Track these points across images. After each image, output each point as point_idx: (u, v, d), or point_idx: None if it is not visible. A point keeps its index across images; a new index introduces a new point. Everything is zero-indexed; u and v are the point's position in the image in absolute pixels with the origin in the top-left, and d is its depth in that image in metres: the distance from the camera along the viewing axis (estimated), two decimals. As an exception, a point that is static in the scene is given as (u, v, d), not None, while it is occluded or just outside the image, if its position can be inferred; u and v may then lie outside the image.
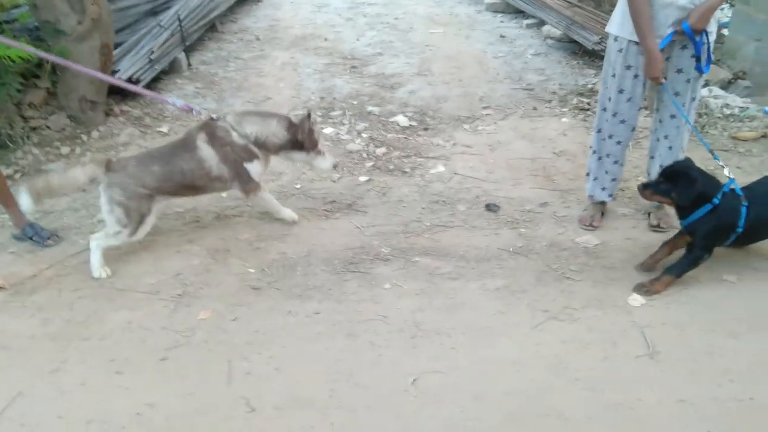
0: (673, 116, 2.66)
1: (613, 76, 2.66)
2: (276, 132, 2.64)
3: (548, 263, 2.64)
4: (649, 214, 2.95)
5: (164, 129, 4.02)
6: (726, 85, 4.64)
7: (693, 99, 2.64)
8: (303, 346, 2.18)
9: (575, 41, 5.23)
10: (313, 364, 2.09)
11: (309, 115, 2.66)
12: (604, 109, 2.76)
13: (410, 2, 7.52)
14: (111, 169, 2.53)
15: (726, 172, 2.41)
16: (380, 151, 3.73)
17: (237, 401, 1.95)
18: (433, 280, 2.55)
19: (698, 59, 2.49)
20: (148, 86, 4.50)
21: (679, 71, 2.56)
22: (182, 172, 2.59)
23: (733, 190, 2.33)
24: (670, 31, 2.43)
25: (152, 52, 4.55)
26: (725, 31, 5.03)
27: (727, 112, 4.14)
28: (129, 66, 4.29)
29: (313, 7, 7.45)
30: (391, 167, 3.55)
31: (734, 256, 2.61)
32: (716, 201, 2.28)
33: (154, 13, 5.35)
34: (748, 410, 1.88)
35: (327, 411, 1.91)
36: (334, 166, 2.86)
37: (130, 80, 4.26)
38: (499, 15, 6.77)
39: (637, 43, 2.51)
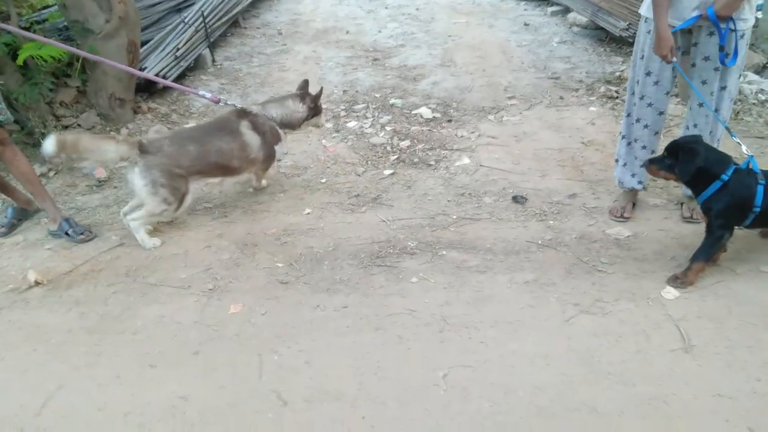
0: (701, 105, 2.57)
1: (642, 58, 2.61)
2: (296, 108, 3.04)
3: (578, 256, 2.59)
4: (681, 205, 2.87)
5: (192, 124, 4.07)
6: (761, 70, 4.48)
7: (723, 89, 2.52)
8: (331, 339, 2.19)
9: (602, 28, 5.11)
10: (342, 358, 2.10)
11: (321, 91, 3.19)
12: (633, 93, 2.71)
13: (432, -8, 7.45)
14: (145, 150, 2.65)
15: (744, 149, 2.32)
16: (404, 144, 3.72)
17: (268, 394, 1.97)
18: (461, 273, 2.53)
19: (722, 48, 2.38)
20: (175, 82, 4.57)
21: (706, 59, 2.47)
22: (220, 152, 2.79)
23: (749, 167, 2.24)
24: (695, 14, 2.36)
25: (177, 49, 4.61)
26: (759, 14, 4.85)
27: (763, 98, 4.00)
28: (155, 63, 4.36)
29: (334, 0, 7.44)
30: (416, 160, 3.54)
31: (773, 246, 2.53)
32: (725, 177, 2.21)
33: (178, 10, 5.42)
34: (789, 406, 1.82)
35: (356, 404, 1.92)
36: (327, 120, 3.57)
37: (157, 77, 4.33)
38: (523, 3, 6.66)
39: (670, 26, 2.43)
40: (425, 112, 4.17)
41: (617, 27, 4.75)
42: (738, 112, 3.83)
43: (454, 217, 2.96)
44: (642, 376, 1.95)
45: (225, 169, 2.88)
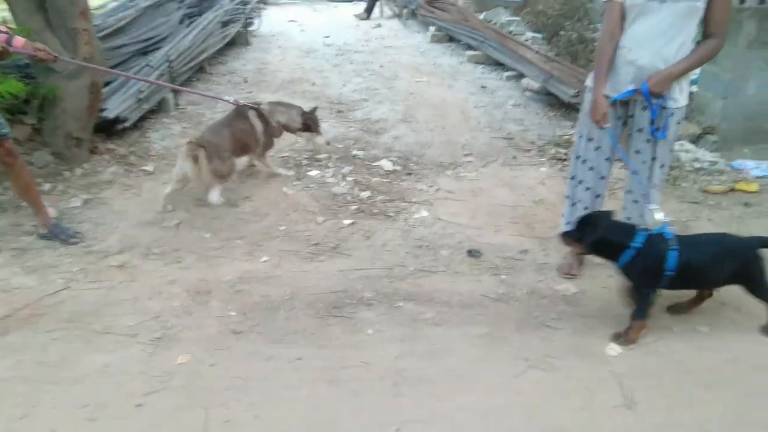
0: (634, 172, 2.71)
1: (586, 125, 2.78)
2: (296, 119, 3.91)
3: (529, 311, 2.68)
4: None
5: (149, 168, 4.04)
6: (696, 140, 4.86)
7: (654, 159, 2.66)
8: (284, 393, 2.15)
9: (553, 94, 5.45)
10: (294, 412, 2.06)
11: (315, 109, 4.06)
12: (577, 156, 2.88)
13: (395, 52, 7.78)
14: (206, 149, 3.31)
15: (658, 216, 2.46)
16: (365, 194, 3.79)
17: (214, 450, 1.90)
18: (416, 325, 2.56)
19: (653, 122, 2.55)
20: (135, 125, 4.55)
21: (640, 130, 2.64)
22: (242, 131, 3.62)
23: (661, 234, 2.39)
24: (631, 87, 2.56)
25: (141, 92, 4.60)
26: (694, 88, 5.30)
27: (697, 165, 4.32)
28: (117, 105, 4.34)
29: (301, 52, 7.65)
30: (375, 211, 3.60)
31: (708, 307, 2.68)
32: (637, 245, 2.35)
33: (144, 53, 5.44)
34: (724, 462, 1.90)
35: (306, 461, 1.88)
36: (328, 143, 4.17)
37: (117, 119, 4.30)
38: (480, 66, 7.03)
39: (607, 96, 2.63)
40: (386, 164, 4.28)
41: (567, 94, 5.09)
42: (676, 179, 4.12)
43: (412, 268, 3.01)
44: (587, 432, 2.00)
45: (245, 147, 3.66)
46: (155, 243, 3.15)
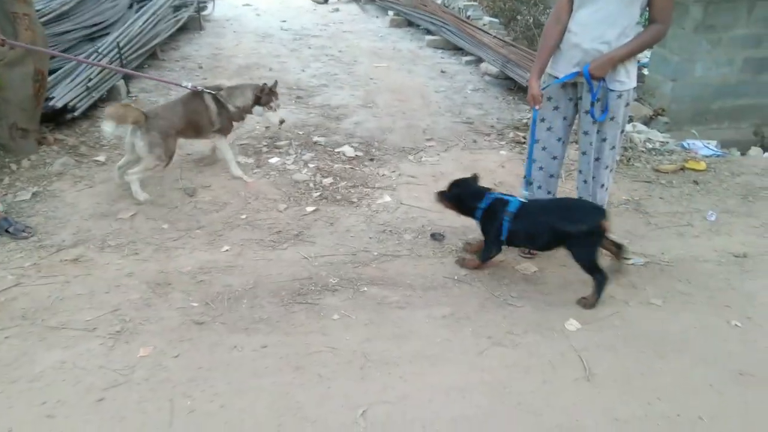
0: (584, 153, 2.80)
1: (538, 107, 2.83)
2: (249, 97, 3.72)
3: (491, 290, 2.73)
4: None
5: (101, 158, 3.89)
6: (648, 121, 5.03)
7: (603, 140, 2.73)
8: (249, 381, 2.13)
9: (511, 78, 5.53)
10: (260, 400, 2.05)
11: (275, 84, 3.82)
12: (532, 134, 2.92)
13: (354, 36, 7.70)
14: (147, 120, 3.27)
15: (523, 193, 2.86)
16: (327, 181, 3.77)
17: (180, 442, 1.88)
18: (381, 309, 2.57)
19: (593, 104, 2.61)
20: (85, 114, 4.36)
21: (586, 112, 2.70)
22: (196, 112, 3.52)
23: (501, 200, 2.75)
24: (573, 70, 2.62)
25: (90, 80, 4.41)
26: (645, 71, 5.48)
27: (650, 146, 4.48)
28: (64, 93, 4.15)
29: (257, 37, 7.48)
30: (338, 197, 3.59)
31: (660, 280, 2.81)
32: (483, 206, 2.76)
33: (91, 39, 5.22)
34: (676, 427, 2.00)
35: (275, 447, 1.87)
36: (281, 122, 3.87)
37: (65, 108, 4.12)
38: (440, 51, 7.05)
39: (553, 77, 2.71)
40: (348, 150, 4.26)
41: (524, 78, 5.16)
42: (629, 159, 4.26)
43: (376, 253, 3.02)
44: (548, 406, 2.07)
45: (197, 129, 3.57)
46: (110, 235, 3.05)
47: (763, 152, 4.80)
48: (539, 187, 2.97)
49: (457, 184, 2.90)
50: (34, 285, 2.62)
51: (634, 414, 2.04)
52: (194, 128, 3.55)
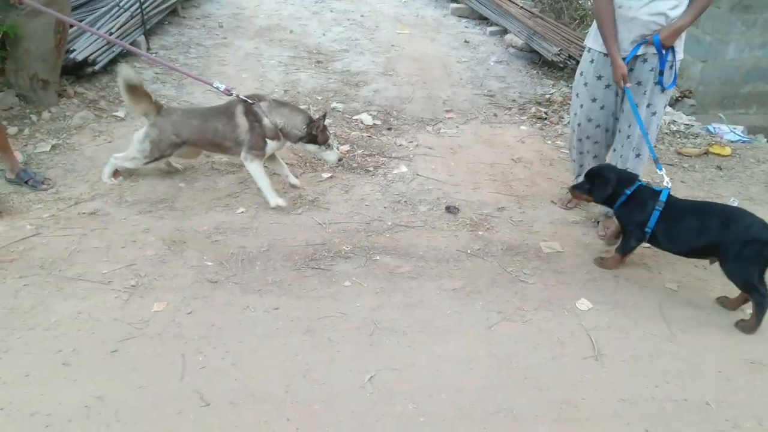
0: (620, 131, 2.85)
1: (585, 84, 2.85)
2: (298, 126, 3.01)
3: (503, 266, 2.72)
4: (597, 223, 3.10)
5: (120, 114, 3.89)
6: (673, 103, 4.90)
7: (653, 114, 2.76)
8: (260, 341, 2.17)
9: (536, 51, 5.39)
10: (270, 360, 2.09)
11: (324, 116, 3.06)
12: (575, 114, 2.97)
13: (377, 1, 7.53)
14: (160, 113, 3.01)
15: (666, 181, 2.58)
16: (344, 148, 3.74)
17: (190, 395, 1.92)
18: (393, 278, 2.58)
19: (661, 73, 2.63)
20: (105, 68, 4.35)
21: (639, 83, 2.70)
22: (216, 131, 3.01)
23: (649, 188, 2.58)
24: (634, 45, 2.60)
25: (110, 34, 4.38)
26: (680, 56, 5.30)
27: (674, 128, 4.37)
28: (85, 47, 4.13)
29: (280, -2, 7.35)
30: (354, 165, 3.57)
31: (677, 264, 2.77)
32: (628, 192, 2.56)
33: (113, -8, 5.14)
34: (682, 410, 2.01)
35: (282, 406, 1.91)
36: (340, 160, 3.28)
37: (86, 62, 4.10)
38: (464, 20, 6.88)
39: (606, 55, 2.68)
40: (366, 118, 4.21)
41: (550, 52, 5.03)
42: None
43: (390, 223, 3.02)
44: (555, 381, 2.08)
45: (217, 147, 3.07)
46: (128, 191, 3.08)
47: (792, 140, 4.67)
48: (595, 157, 3.05)
49: (602, 176, 2.64)
50: (52, 236, 2.66)
51: (640, 395, 2.05)
52: (213, 146, 3.07)
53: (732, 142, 4.29)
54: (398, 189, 3.35)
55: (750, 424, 1.95)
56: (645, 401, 2.03)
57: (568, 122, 3.22)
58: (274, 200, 3.02)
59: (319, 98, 4.49)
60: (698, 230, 2.42)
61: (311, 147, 3.08)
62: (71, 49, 4.02)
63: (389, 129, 4.13)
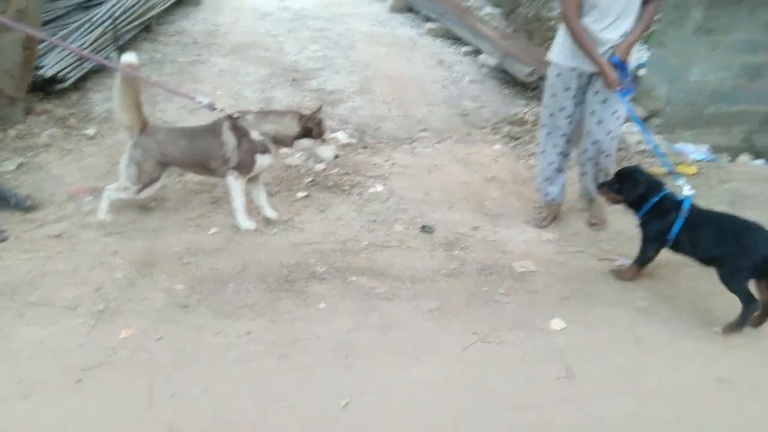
0: (591, 131, 3.06)
1: (553, 95, 3.02)
2: (290, 126, 2.91)
3: (478, 286, 2.73)
4: (588, 211, 3.36)
5: (91, 131, 3.82)
6: (642, 122, 5.03)
7: (617, 117, 2.96)
8: (232, 367, 2.12)
9: (508, 71, 5.49)
10: (243, 386, 2.05)
11: (320, 108, 2.97)
12: (545, 125, 3.15)
13: (353, 19, 7.60)
14: (144, 132, 2.83)
15: (686, 189, 2.65)
16: (319, 167, 3.73)
17: (159, 425, 1.87)
18: (369, 300, 2.57)
19: (622, 85, 2.81)
20: (75, 85, 4.27)
21: (596, 93, 2.92)
22: (202, 151, 2.88)
23: (672, 197, 2.63)
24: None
25: (82, 48, 4.31)
26: (642, 72, 5.47)
27: (642, 147, 4.49)
28: (54, 63, 4.06)
29: (256, 14, 7.36)
30: (330, 184, 3.56)
31: (647, 283, 2.82)
32: (654, 200, 2.63)
33: (85, 8, 5.09)
34: (654, 429, 2.03)
35: (255, 434, 1.87)
36: (336, 156, 3.07)
37: (54, 78, 4.02)
38: (439, 40, 6.97)
39: (573, 69, 2.88)
40: (342, 136, 4.22)
41: (522, 72, 5.13)
42: (622, 159, 4.26)
43: (365, 243, 3.01)
44: (530, 402, 2.09)
45: (203, 168, 2.95)
46: (96, 211, 3.00)
47: (753, 160, 4.84)
48: (556, 169, 3.21)
49: (633, 177, 2.70)
50: (15, 259, 2.57)
51: (614, 414, 2.07)
52: (200, 167, 2.96)
53: (697, 161, 4.42)
54: (374, 208, 3.35)
55: (720, 443, 1.98)
56: (618, 420, 2.04)
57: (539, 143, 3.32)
58: (245, 223, 2.98)
59: (295, 116, 4.48)
60: (717, 240, 2.50)
61: (306, 142, 2.95)
62: (40, 65, 3.95)
63: (365, 147, 4.14)
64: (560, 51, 2.92)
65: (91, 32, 4.57)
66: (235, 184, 2.92)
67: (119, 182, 2.89)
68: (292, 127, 2.91)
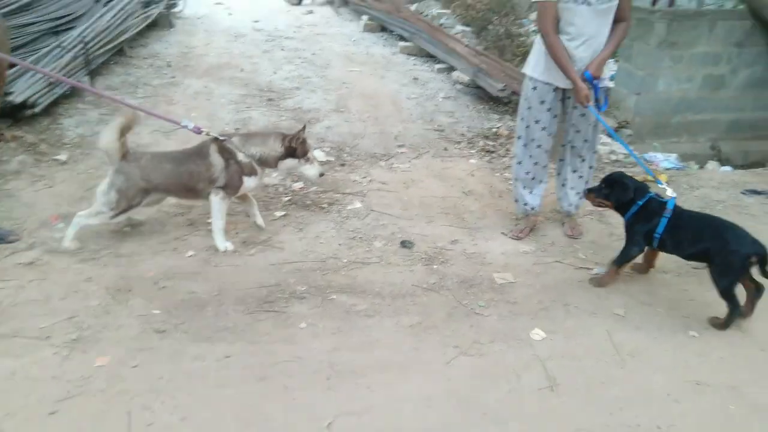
0: (573, 145, 3.19)
1: (529, 108, 3.10)
2: (273, 147, 2.94)
3: (459, 299, 2.74)
4: (563, 224, 3.44)
5: (62, 157, 3.76)
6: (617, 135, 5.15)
7: (593, 127, 3.12)
8: (212, 392, 2.08)
9: (481, 87, 5.59)
10: (223, 412, 2.01)
11: (304, 128, 2.99)
12: (519, 137, 3.22)
13: (327, 39, 7.68)
14: (126, 158, 2.80)
15: (669, 192, 2.79)
16: (297, 185, 3.73)
17: (137, 455, 1.82)
18: (350, 317, 2.55)
19: (597, 100, 2.93)
20: (46, 111, 4.21)
21: (575, 107, 3.04)
22: (190, 173, 2.86)
23: (657, 199, 2.74)
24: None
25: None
26: (612, 84, 5.62)
27: (614, 158, 4.59)
28: (25, 88, 4.00)
29: (229, 36, 7.39)
30: (308, 202, 3.55)
31: (623, 290, 2.87)
32: (640, 203, 2.73)
33: (55, 32, 5.04)
34: (635, 436, 2.04)
35: (237, 460, 1.83)
36: (321, 175, 3.09)
37: (25, 104, 3.97)
38: (412, 58, 7.08)
39: (548, 83, 2.97)
40: (319, 155, 4.23)
41: (495, 87, 5.23)
42: (594, 170, 4.35)
43: (345, 260, 3.00)
44: (513, 415, 2.09)
45: (190, 191, 2.92)
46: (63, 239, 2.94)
47: (720, 166, 4.99)
48: (533, 179, 3.28)
49: (623, 183, 2.79)
50: (-16, 290, 2.50)
51: (595, 423, 2.08)
52: (187, 191, 2.93)
53: (667, 169, 4.54)
54: (353, 225, 3.35)
55: (700, 446, 2.01)
56: (600, 430, 2.05)
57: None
58: (223, 244, 2.98)
59: (271, 136, 4.48)
60: (697, 238, 2.62)
61: (290, 162, 2.98)
62: (9, 91, 3.88)
63: (342, 165, 4.15)
64: (535, 65, 3.02)
65: (61, 57, 4.53)
66: (218, 203, 2.91)
67: (92, 207, 2.84)
68: (276, 147, 2.93)
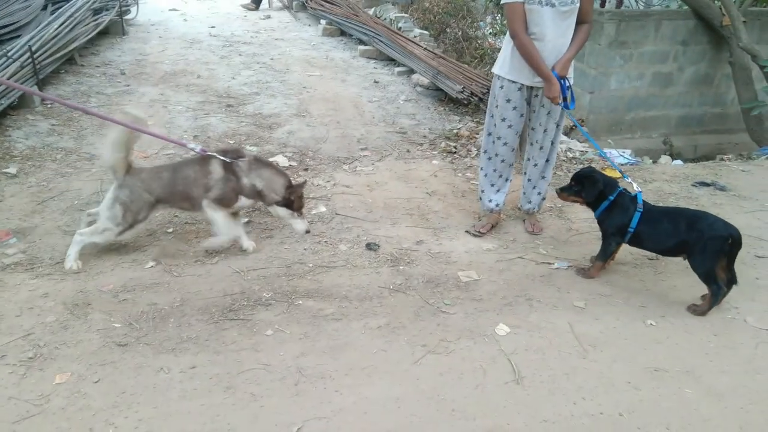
0: (531, 143, 3.29)
1: (497, 107, 3.18)
2: (277, 190, 2.95)
3: (425, 298, 2.77)
4: (524, 221, 3.54)
5: (12, 170, 3.62)
6: (568, 132, 5.30)
7: (557, 125, 3.22)
8: (177, 404, 2.04)
9: (441, 89, 5.66)
10: (189, 424, 1.97)
11: (304, 183, 3.10)
12: (489, 134, 3.32)
13: (286, 44, 7.63)
14: (129, 172, 2.81)
15: (635, 186, 2.90)
16: (259, 192, 3.69)
17: (101, 474, 1.76)
18: (317, 322, 2.55)
19: (564, 98, 3.01)
20: (-8, 122, 4.05)
21: (543, 105, 3.13)
22: (186, 179, 2.86)
23: (628, 194, 2.83)
24: (537, 78, 2.99)
25: (-3, 85, 4.10)
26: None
27: (570, 155, 4.72)
28: (-33, 99, 3.83)
29: (185, 43, 7.25)
30: (271, 209, 3.52)
31: (584, 284, 2.95)
32: (611, 198, 2.81)
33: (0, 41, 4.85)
34: (599, 424, 2.11)
35: (205, 472, 1.80)
36: (307, 231, 3.10)
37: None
38: (372, 61, 7.11)
39: (513, 82, 3.05)
40: (281, 160, 4.20)
41: (454, 89, 5.31)
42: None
43: (311, 265, 2.99)
44: (481, 410, 2.13)
45: (187, 199, 2.89)
46: (22, 254, 2.84)
47: (672, 160, 5.20)
48: (500, 176, 3.36)
49: (593, 179, 2.86)
50: (-70, 311, 2.38)
51: (560, 414, 2.13)
52: (186, 199, 2.90)
53: (622, 164, 4.69)
54: (318, 229, 3.34)
55: (659, 430, 2.08)
56: (565, 420, 2.11)
57: (477, 154, 3.47)
58: (248, 243, 3.06)
59: (232, 142, 4.43)
60: (672, 231, 2.71)
61: (282, 212, 3.00)
62: (-49, 103, 3.72)
63: (306, 170, 4.13)
64: (503, 65, 3.10)
65: (6, 67, 4.35)
66: (216, 214, 2.90)
67: (96, 225, 2.81)
68: (279, 191, 2.95)
